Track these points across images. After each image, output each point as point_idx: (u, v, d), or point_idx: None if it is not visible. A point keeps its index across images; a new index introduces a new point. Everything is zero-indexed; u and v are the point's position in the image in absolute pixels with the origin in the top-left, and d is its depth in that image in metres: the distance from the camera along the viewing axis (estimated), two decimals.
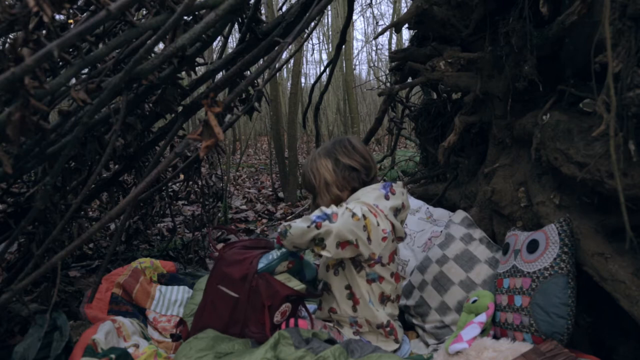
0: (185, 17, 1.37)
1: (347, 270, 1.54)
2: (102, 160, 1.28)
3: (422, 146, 2.90)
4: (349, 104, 7.02)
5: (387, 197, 1.57)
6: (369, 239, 1.47)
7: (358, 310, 1.54)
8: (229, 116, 1.86)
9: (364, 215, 1.46)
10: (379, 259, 1.52)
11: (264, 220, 4.20)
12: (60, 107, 1.34)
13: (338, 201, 1.62)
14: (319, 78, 3.51)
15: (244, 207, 4.76)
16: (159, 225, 3.09)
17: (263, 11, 4.51)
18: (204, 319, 1.52)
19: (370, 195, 1.55)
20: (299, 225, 1.44)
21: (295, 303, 1.51)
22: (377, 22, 10.86)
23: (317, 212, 1.46)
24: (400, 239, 1.63)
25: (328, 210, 1.45)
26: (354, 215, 1.44)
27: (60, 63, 1.58)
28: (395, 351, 1.55)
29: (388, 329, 1.54)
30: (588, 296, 1.40)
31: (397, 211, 1.59)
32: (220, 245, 1.66)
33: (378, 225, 1.49)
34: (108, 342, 1.40)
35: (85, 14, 1.52)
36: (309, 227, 1.41)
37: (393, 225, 1.55)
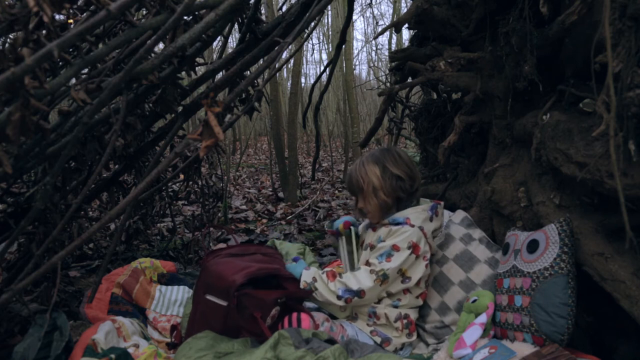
0: (185, 17, 1.37)
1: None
2: (102, 160, 1.28)
3: (422, 146, 2.89)
4: (349, 104, 7.01)
5: (431, 219, 1.66)
6: (407, 278, 1.60)
7: (377, 308, 1.60)
8: (229, 116, 1.85)
9: (400, 269, 1.56)
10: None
11: (264, 220, 4.20)
12: (60, 107, 1.34)
13: (385, 206, 1.66)
14: (319, 78, 3.51)
15: (244, 207, 4.76)
16: (159, 225, 3.09)
17: (263, 11, 4.51)
18: (196, 330, 1.49)
19: (418, 217, 1.63)
20: (325, 295, 1.52)
21: (284, 304, 1.50)
22: (377, 22, 10.86)
23: (341, 287, 1.52)
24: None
25: (355, 286, 1.52)
26: (384, 281, 1.53)
27: (60, 63, 1.58)
28: (398, 350, 1.58)
29: (405, 321, 1.60)
30: (588, 296, 1.40)
31: (434, 232, 1.68)
32: (220, 245, 1.65)
33: (417, 258, 1.60)
34: (108, 342, 1.40)
35: (85, 14, 1.52)
36: (337, 301, 1.52)
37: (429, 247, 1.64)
